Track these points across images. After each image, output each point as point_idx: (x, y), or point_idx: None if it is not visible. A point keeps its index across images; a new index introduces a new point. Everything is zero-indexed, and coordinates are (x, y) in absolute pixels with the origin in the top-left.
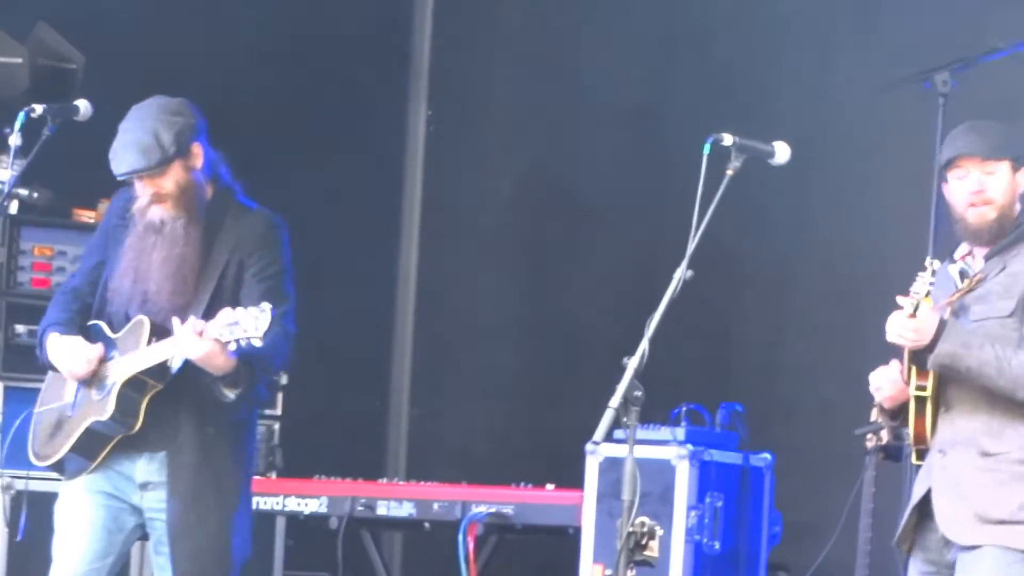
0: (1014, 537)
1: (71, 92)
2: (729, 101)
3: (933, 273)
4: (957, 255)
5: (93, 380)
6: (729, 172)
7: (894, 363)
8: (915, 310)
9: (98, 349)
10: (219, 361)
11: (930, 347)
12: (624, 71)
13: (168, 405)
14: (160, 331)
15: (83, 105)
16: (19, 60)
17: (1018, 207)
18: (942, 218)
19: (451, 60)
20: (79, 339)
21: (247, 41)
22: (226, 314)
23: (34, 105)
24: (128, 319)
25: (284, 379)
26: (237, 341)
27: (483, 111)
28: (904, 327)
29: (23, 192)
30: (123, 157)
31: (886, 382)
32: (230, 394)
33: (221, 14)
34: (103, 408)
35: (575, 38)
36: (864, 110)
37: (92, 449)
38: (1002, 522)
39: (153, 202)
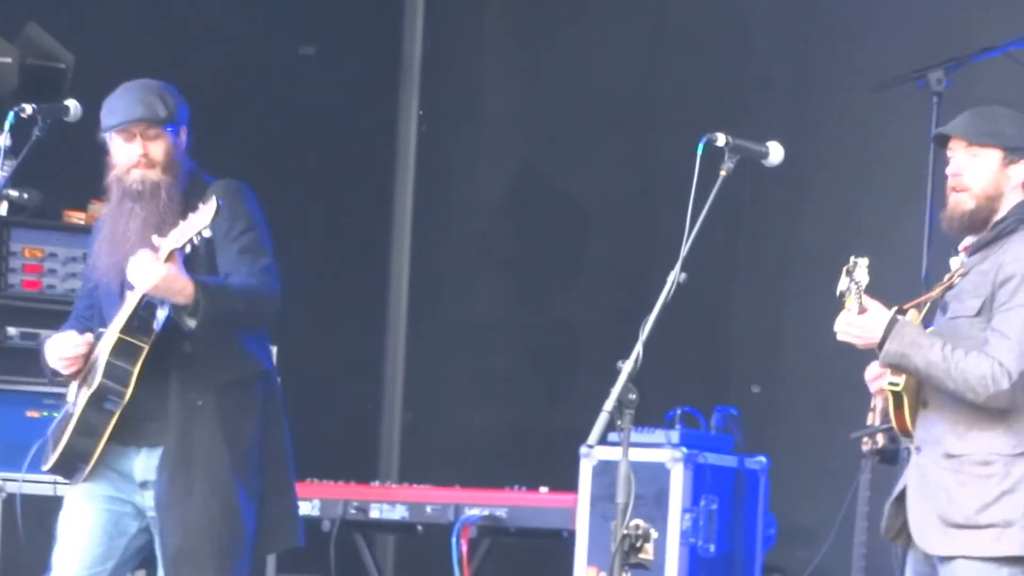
0: (980, 545)
1: (60, 92)
2: (721, 101)
3: (848, 272)
4: (960, 247)
5: (90, 373)
6: (723, 173)
7: None
8: (858, 307)
9: (83, 336)
10: (177, 285)
11: (880, 346)
12: (616, 71)
13: (157, 386)
14: None
15: (73, 105)
16: (8, 60)
17: (1008, 201)
18: (937, 218)
19: (442, 60)
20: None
21: (237, 41)
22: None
23: (24, 105)
24: (119, 301)
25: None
26: (191, 238)
27: (475, 111)
28: (849, 326)
29: (13, 193)
30: (125, 107)
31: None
32: (190, 322)
33: (210, 14)
34: (93, 380)
35: (566, 39)
36: (858, 109)
37: (89, 437)
38: (961, 526)
39: (137, 165)
